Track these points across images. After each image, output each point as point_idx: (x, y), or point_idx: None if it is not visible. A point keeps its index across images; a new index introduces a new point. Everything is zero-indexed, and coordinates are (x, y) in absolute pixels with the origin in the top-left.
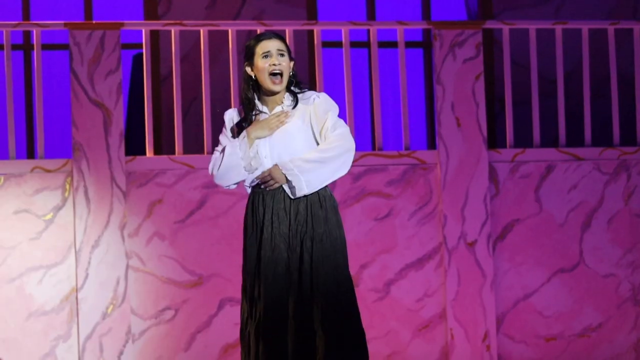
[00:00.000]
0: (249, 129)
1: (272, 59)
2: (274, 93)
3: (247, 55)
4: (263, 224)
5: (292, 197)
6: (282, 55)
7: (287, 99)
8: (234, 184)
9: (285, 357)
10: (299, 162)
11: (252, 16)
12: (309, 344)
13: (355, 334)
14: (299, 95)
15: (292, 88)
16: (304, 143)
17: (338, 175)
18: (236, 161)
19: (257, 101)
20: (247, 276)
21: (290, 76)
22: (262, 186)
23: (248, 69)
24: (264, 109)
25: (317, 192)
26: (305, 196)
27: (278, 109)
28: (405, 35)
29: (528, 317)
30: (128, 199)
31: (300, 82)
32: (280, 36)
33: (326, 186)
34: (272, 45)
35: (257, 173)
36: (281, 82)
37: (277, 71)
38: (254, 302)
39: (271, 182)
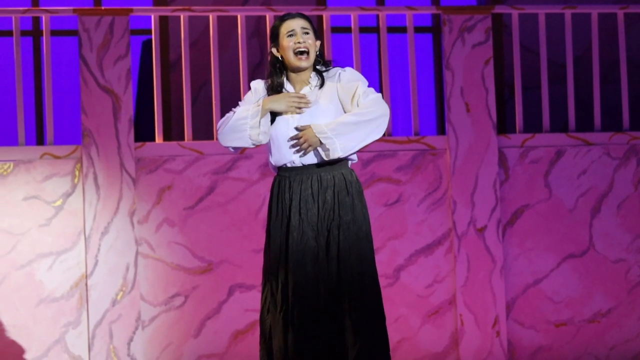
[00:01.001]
0: (266, 99)
1: (296, 37)
2: (300, 69)
3: (272, 37)
4: (290, 210)
5: (325, 159)
6: (306, 33)
7: (314, 78)
8: (233, 148)
9: (317, 344)
10: (334, 125)
11: (261, 1)
12: (339, 332)
13: (379, 326)
14: (325, 74)
15: (317, 67)
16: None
17: (371, 139)
18: (242, 126)
19: (285, 80)
20: (271, 261)
21: (317, 56)
22: (295, 150)
23: (274, 50)
24: (292, 90)
25: (344, 177)
26: (333, 182)
27: (306, 89)
28: (414, 20)
29: (538, 302)
30: (137, 185)
31: (328, 60)
32: (304, 15)
33: (352, 170)
34: (296, 24)
35: (282, 150)
36: (307, 58)
37: (302, 49)
38: (277, 288)
39: (304, 144)
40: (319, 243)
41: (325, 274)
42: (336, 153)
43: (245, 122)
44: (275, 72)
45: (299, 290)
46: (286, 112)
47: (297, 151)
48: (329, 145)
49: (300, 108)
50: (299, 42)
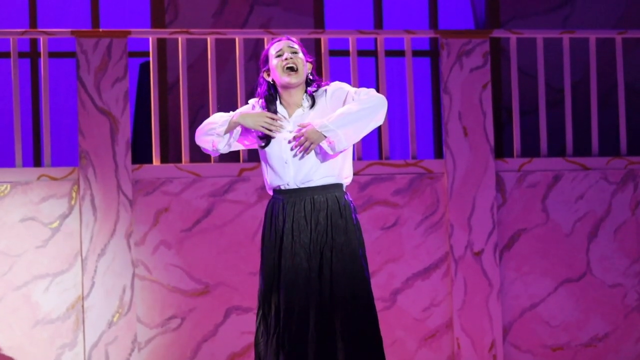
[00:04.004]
0: (239, 113)
1: (284, 55)
2: (290, 86)
3: (263, 62)
4: (283, 232)
5: (331, 152)
6: (295, 53)
7: (306, 100)
8: (202, 148)
9: None
10: (333, 117)
11: (260, 24)
12: (329, 355)
13: (374, 348)
14: (315, 94)
15: (308, 89)
16: None
17: (372, 127)
18: (211, 131)
19: (278, 104)
20: (264, 283)
21: (308, 79)
22: (298, 150)
23: (265, 74)
24: (284, 113)
25: (337, 200)
26: (326, 204)
27: (298, 111)
28: (412, 44)
29: (535, 326)
30: (134, 207)
31: (320, 83)
32: (293, 39)
33: (346, 192)
34: (284, 44)
35: (276, 171)
36: (296, 74)
37: (291, 65)
38: (269, 311)
39: (307, 143)
40: (311, 265)
41: (317, 296)
42: (341, 144)
43: (214, 128)
44: (269, 99)
45: (291, 312)
46: (257, 129)
47: (299, 152)
48: (333, 137)
49: (271, 131)
50: (286, 60)
